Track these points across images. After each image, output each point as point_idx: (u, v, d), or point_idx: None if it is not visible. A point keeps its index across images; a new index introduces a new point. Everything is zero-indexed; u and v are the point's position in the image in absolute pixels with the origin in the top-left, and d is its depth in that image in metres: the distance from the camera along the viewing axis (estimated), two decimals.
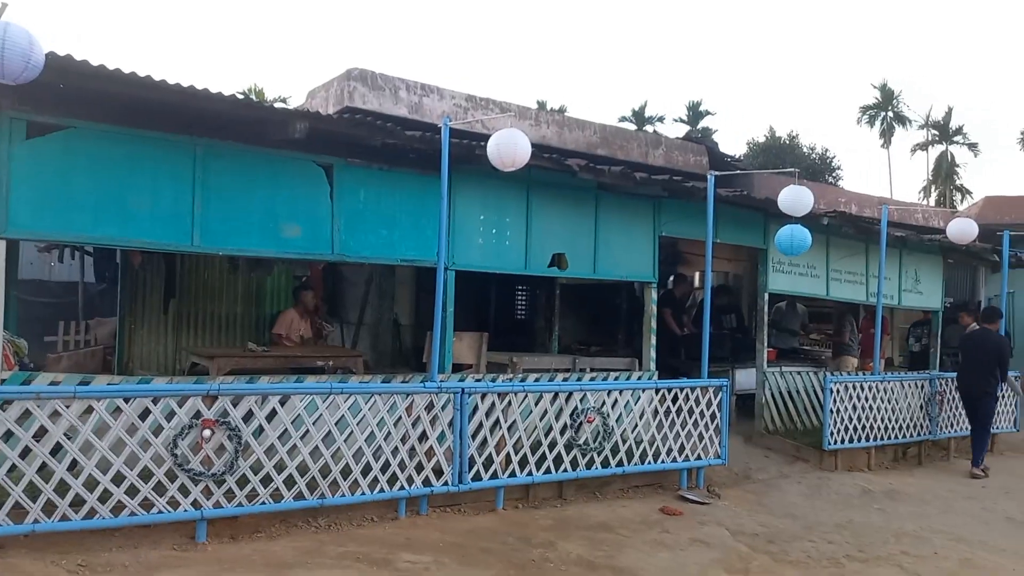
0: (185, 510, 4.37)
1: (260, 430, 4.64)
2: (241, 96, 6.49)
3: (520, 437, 5.63)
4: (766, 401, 8.58)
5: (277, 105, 6.58)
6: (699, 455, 6.64)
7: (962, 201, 43.10)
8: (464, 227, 6.20)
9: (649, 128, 44.55)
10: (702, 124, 47.87)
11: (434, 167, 5.49)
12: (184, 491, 4.37)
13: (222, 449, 4.50)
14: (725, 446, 6.79)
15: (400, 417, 5.14)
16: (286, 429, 4.73)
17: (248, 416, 4.59)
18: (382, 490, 5.02)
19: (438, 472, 5.27)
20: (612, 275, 7.31)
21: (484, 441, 5.48)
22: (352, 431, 4.96)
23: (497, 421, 5.56)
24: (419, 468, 5.21)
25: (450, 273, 5.97)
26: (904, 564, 4.99)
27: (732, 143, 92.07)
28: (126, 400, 4.28)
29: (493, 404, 5.56)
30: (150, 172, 4.96)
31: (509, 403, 5.62)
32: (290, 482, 4.69)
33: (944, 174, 47.20)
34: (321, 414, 4.84)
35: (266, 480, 4.61)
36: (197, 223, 5.09)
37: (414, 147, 5.64)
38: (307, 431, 4.80)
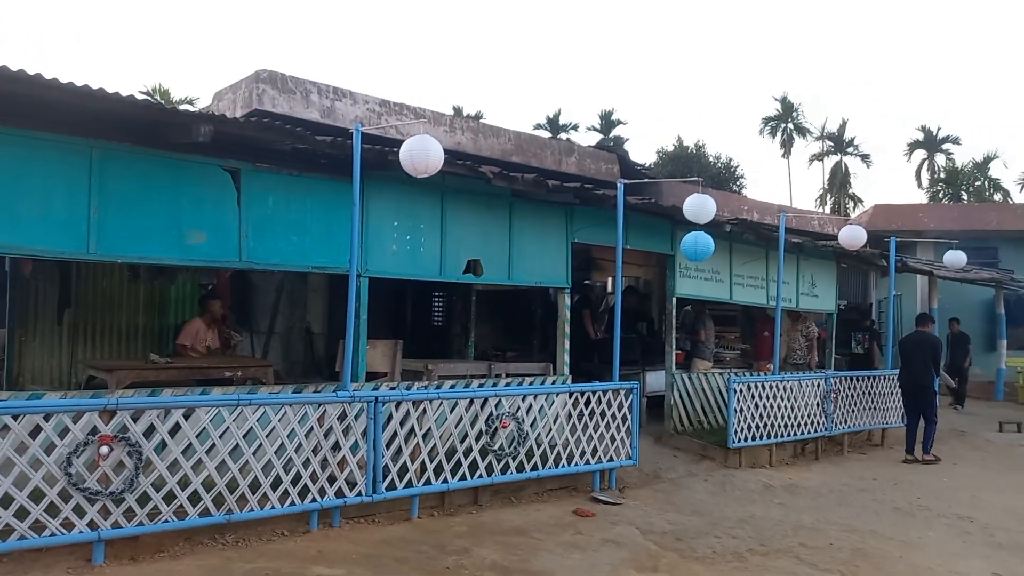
0: (81, 531, 4.15)
1: (163, 445, 4.46)
2: (143, 96, 6.22)
3: (435, 444, 5.63)
4: (675, 402, 8.87)
5: (182, 107, 6.36)
6: (611, 457, 6.79)
7: (854, 209, 45.72)
8: (378, 234, 6.16)
9: (564, 136, 45.29)
10: (614, 133, 48.98)
11: (346, 173, 5.43)
12: (80, 511, 4.15)
13: (121, 466, 4.30)
14: (636, 447, 6.97)
15: (312, 428, 5.05)
16: (191, 443, 4.57)
17: (150, 431, 4.41)
18: (293, 503, 4.91)
19: (352, 483, 5.20)
20: (526, 281, 7.40)
21: (399, 450, 5.45)
22: (261, 444, 4.84)
23: (412, 429, 5.53)
24: (332, 479, 5.12)
25: (363, 280, 5.91)
26: (801, 555, 5.26)
27: (643, 152, 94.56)
28: (15, 417, 4.03)
29: (408, 412, 5.53)
30: (42, 176, 4.71)
31: (424, 411, 5.61)
32: (195, 498, 4.52)
33: (839, 183, 49.94)
34: (228, 427, 4.70)
35: (169, 497, 4.43)
36: (94, 229, 4.86)
37: (325, 152, 5.56)
38: (213, 445, 4.65)
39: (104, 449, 4.22)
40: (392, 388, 5.97)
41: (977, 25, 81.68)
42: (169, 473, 4.44)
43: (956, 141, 48.02)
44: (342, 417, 5.18)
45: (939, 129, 48.50)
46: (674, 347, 9.01)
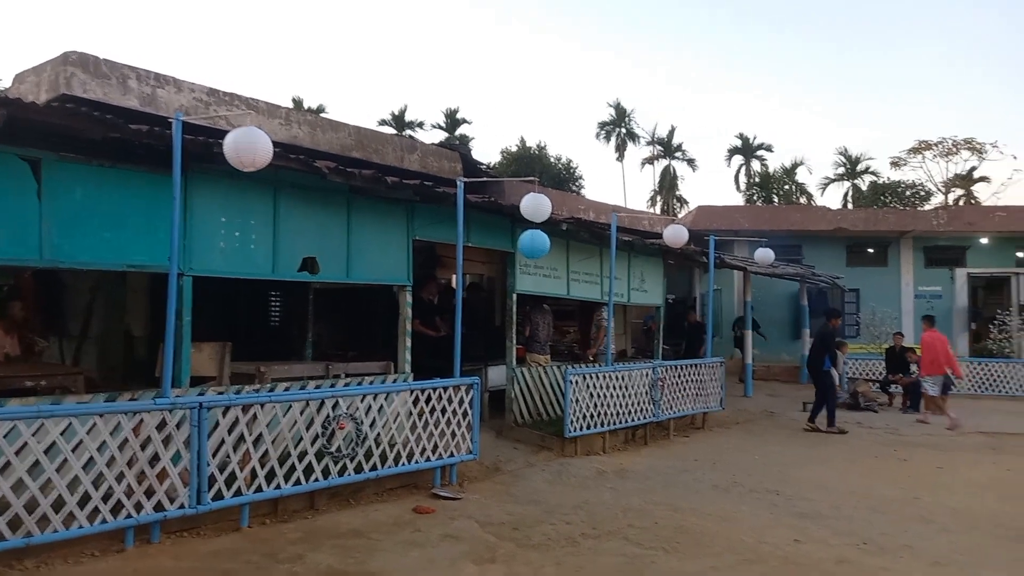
0: None
1: None
2: None
3: (267, 450, 5.40)
4: (515, 395, 9.09)
5: None
6: (452, 452, 6.85)
7: (681, 210, 48.97)
8: (203, 230, 5.81)
9: (409, 133, 44.97)
10: (459, 131, 49.29)
11: (168, 165, 5.08)
12: None
13: None
14: (477, 441, 7.07)
15: (126, 439, 4.68)
16: None
17: None
18: (104, 521, 4.53)
19: (173, 495, 4.87)
20: (366, 279, 7.29)
21: (227, 457, 5.18)
22: (67, 459, 4.42)
23: (241, 435, 5.28)
24: (150, 493, 4.78)
25: (186, 280, 5.56)
26: (629, 536, 5.56)
27: (488, 151, 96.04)
28: None
29: (237, 418, 5.27)
30: None
31: (255, 416, 5.37)
32: None
33: (667, 186, 53.29)
34: (27, 442, 4.25)
35: None
36: None
37: (143, 142, 5.17)
38: (8, 462, 4.19)
39: None
40: (219, 393, 5.66)
41: (788, 45, 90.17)
42: None
43: (769, 148, 52.76)
44: (162, 426, 4.84)
45: (755, 137, 53.09)
46: (514, 342, 9.22)
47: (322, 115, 27.05)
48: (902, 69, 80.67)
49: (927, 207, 35.13)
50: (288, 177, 6.31)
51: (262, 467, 5.36)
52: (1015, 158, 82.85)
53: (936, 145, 39.06)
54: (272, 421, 5.50)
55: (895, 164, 40.83)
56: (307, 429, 5.71)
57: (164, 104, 8.46)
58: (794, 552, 5.33)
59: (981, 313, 19.85)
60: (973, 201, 38.38)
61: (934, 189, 39.71)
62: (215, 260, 5.90)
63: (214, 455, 5.10)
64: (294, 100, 46.24)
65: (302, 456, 5.62)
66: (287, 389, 6.21)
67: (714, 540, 5.56)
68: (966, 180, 39.87)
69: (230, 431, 5.22)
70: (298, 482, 5.57)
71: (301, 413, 5.70)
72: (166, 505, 4.82)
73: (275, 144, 5.45)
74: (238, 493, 5.21)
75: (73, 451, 4.47)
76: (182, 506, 4.88)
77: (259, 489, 5.34)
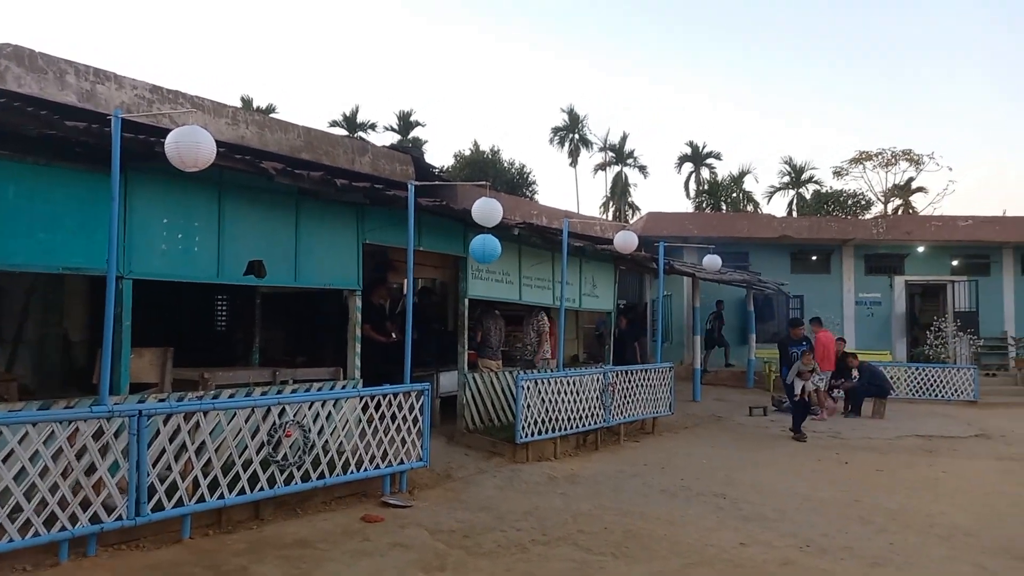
0: None
1: None
2: None
3: (210, 459, 5.26)
4: (467, 401, 9.05)
5: None
6: (402, 459, 6.77)
7: (633, 216, 49.58)
8: (144, 231, 5.64)
9: (361, 135, 44.51)
10: (413, 134, 49.00)
11: (107, 164, 4.91)
12: None
13: None
14: (427, 448, 7.01)
15: (61, 449, 4.50)
16: None
17: None
18: (37, 534, 4.34)
19: (111, 506, 4.70)
20: (315, 283, 7.17)
21: (168, 467, 5.02)
22: None
23: (184, 444, 5.13)
24: (86, 504, 4.60)
25: (125, 283, 5.39)
26: (579, 541, 5.58)
27: (442, 155, 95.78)
28: None
29: (178, 426, 5.12)
30: None
31: (197, 424, 5.22)
32: None
33: (619, 192, 53.91)
34: None
35: None
36: None
37: (80, 140, 4.99)
38: None
39: None
40: (160, 400, 5.49)
41: (741, 55, 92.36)
42: None
43: (718, 156, 53.77)
44: (99, 435, 4.67)
45: (704, 145, 54.08)
46: (466, 347, 9.19)
47: (272, 115, 26.60)
48: (846, 79, 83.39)
49: (868, 216, 36.34)
50: (234, 178, 6.17)
51: (205, 476, 5.21)
52: (951, 169, 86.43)
53: (876, 156, 40.44)
54: (215, 429, 5.36)
55: (837, 174, 42.12)
56: (252, 437, 5.58)
57: (104, 101, 8.22)
58: (739, 555, 5.41)
59: (918, 320, 20.56)
60: (911, 211, 39.82)
61: (874, 199, 41.09)
62: (156, 263, 5.73)
63: (154, 464, 4.94)
64: (243, 99, 45.38)
65: (247, 465, 5.48)
66: (232, 396, 6.06)
67: (661, 544, 5.62)
68: (904, 190, 41.35)
69: (171, 440, 5.06)
70: (243, 491, 5.43)
71: (246, 421, 5.56)
72: (103, 517, 4.65)
73: (221, 144, 5.33)
74: (179, 504, 5.05)
75: (3, 461, 4.28)
76: (120, 518, 4.70)
77: (201, 499, 5.19)
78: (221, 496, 5.29)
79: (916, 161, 39.92)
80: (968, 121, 75.67)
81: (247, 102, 44.92)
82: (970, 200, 58.25)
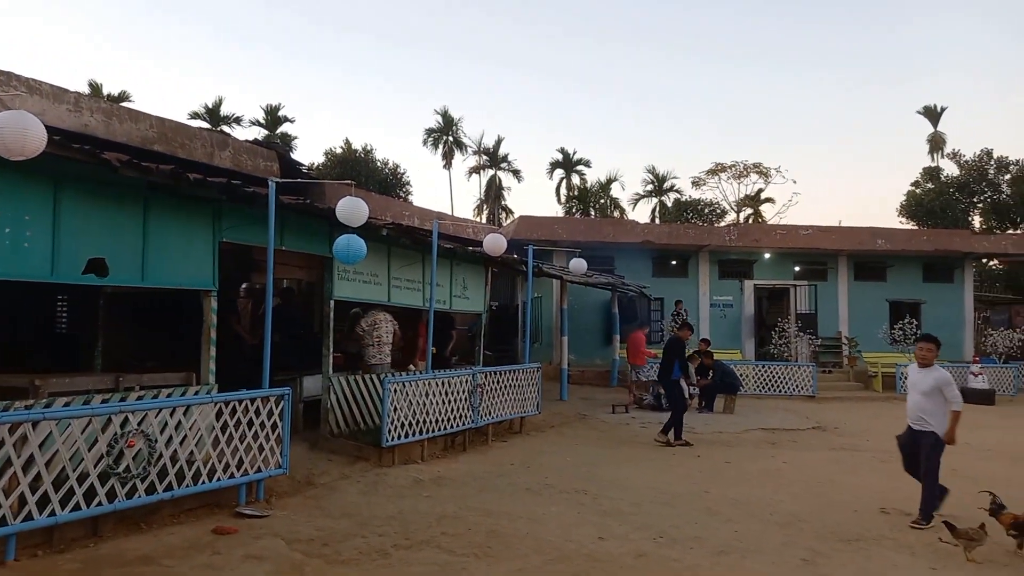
0: None
1: None
2: None
3: (40, 473, 4.82)
4: (332, 405, 8.82)
5: None
6: (259, 467, 6.49)
7: (507, 219, 50.24)
8: None
9: (225, 128, 42.38)
10: (281, 130, 47.25)
11: None
12: None
13: None
14: (287, 455, 6.76)
15: None
16: None
17: None
18: None
19: None
20: (165, 283, 6.73)
21: None
22: None
23: (8, 458, 4.67)
24: None
25: None
26: (442, 544, 5.57)
27: (312, 152, 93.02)
28: None
29: (2, 439, 4.66)
30: None
31: (25, 436, 4.77)
32: None
33: (493, 195, 54.45)
34: None
35: None
36: None
37: None
38: None
39: None
40: None
41: (612, 63, 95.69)
42: None
43: (588, 164, 55.40)
44: None
45: (575, 152, 55.63)
46: (331, 350, 8.95)
47: (123, 104, 24.85)
48: (710, 90, 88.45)
49: (722, 224, 38.73)
50: (72, 169, 5.69)
51: (33, 493, 4.77)
52: (795, 182, 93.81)
53: (730, 167, 43.24)
54: (47, 441, 4.92)
55: (696, 183, 44.70)
56: (89, 449, 5.16)
57: None
58: (597, 549, 5.60)
59: (766, 320, 22.11)
60: (760, 220, 42.85)
61: (728, 208, 43.88)
62: None
63: None
64: (92, 85, 42.11)
65: (83, 478, 5.07)
66: (67, 404, 5.58)
67: (523, 542, 5.71)
68: (754, 200, 44.46)
69: None
70: (77, 507, 5.01)
71: (83, 431, 5.14)
72: None
73: (58, 132, 4.92)
74: (3, 523, 4.60)
75: None
76: None
77: (29, 517, 4.74)
78: (52, 513, 4.85)
79: (765, 173, 43.08)
80: (813, 134, 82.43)
81: (96, 87, 41.73)
82: (814, 210, 63.35)
